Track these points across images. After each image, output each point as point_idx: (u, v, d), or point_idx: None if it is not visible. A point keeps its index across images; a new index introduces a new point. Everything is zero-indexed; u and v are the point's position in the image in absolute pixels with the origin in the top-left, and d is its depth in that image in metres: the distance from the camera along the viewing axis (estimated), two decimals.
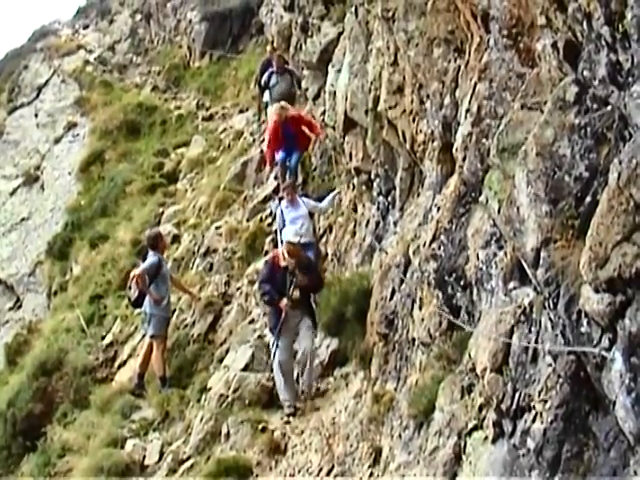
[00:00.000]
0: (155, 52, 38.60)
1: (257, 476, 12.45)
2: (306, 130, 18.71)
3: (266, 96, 22.07)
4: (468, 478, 8.04)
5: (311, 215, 17.17)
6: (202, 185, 23.77)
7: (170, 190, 25.25)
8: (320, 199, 17.37)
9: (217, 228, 20.11)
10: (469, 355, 8.73)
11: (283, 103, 19.52)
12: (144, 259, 17.20)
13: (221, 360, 15.83)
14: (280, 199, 17.73)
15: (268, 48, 22.95)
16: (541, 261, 7.04)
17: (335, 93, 16.68)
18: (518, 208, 7.48)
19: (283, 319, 13.71)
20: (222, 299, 17.82)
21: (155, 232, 18.24)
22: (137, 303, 17.03)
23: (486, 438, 7.91)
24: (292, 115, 18.81)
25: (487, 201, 8.64)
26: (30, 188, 33.18)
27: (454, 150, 10.11)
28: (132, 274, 16.95)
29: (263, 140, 22.16)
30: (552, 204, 6.94)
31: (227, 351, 16.01)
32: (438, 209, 10.49)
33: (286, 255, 14.10)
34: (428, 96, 11.26)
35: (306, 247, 15.64)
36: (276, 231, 17.59)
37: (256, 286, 15.77)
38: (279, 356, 13.74)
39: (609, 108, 6.59)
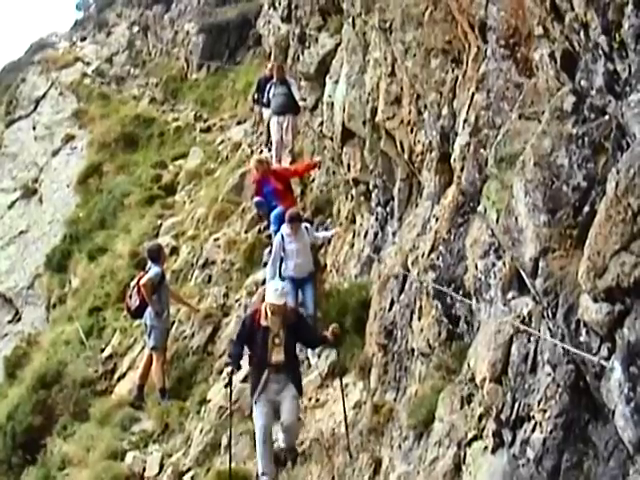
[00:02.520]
0: (153, 64, 38.72)
1: None
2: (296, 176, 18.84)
3: (265, 113, 22.09)
4: None
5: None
6: (200, 197, 23.80)
7: (168, 202, 25.30)
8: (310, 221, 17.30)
9: (215, 240, 20.10)
10: (468, 365, 8.73)
11: (260, 157, 19.49)
12: (144, 270, 17.20)
13: (220, 372, 15.78)
14: (280, 224, 16.61)
15: (269, 65, 22.86)
16: (540, 271, 7.04)
17: (333, 104, 16.70)
18: (516, 218, 7.48)
19: (263, 384, 12.11)
20: (221, 311, 17.79)
21: (156, 244, 18.28)
22: (136, 314, 17.03)
23: (486, 448, 7.90)
24: (274, 169, 18.67)
25: (485, 211, 8.65)
26: (28, 201, 33.26)
27: (452, 160, 10.13)
28: (140, 283, 16.78)
29: (261, 152, 22.24)
30: (550, 214, 6.95)
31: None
32: (436, 219, 10.49)
33: (269, 314, 12.20)
34: (426, 106, 11.28)
35: (304, 281, 15.17)
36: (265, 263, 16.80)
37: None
38: (259, 423, 12.21)
39: (606, 118, 6.60)
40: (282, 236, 15.56)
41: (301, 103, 20.90)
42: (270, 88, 21.14)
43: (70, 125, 35.17)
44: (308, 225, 16.18)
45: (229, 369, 12.50)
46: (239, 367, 12.81)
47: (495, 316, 8.13)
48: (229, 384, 12.68)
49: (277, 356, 12.14)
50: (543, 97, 7.88)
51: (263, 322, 12.21)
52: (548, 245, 6.96)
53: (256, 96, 22.73)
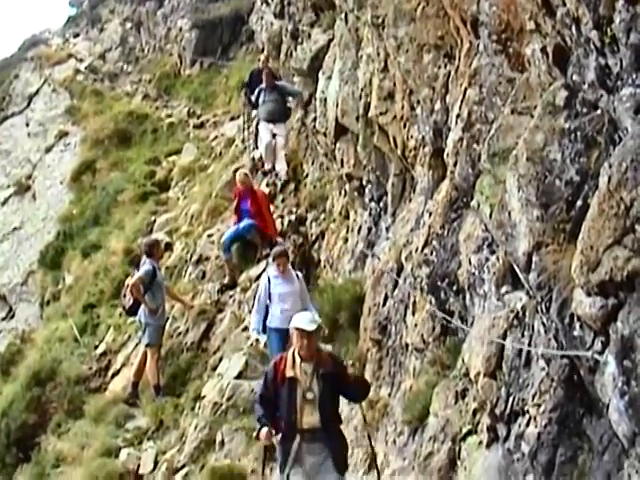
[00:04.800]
0: (146, 60, 38.63)
1: None
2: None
3: (254, 112, 21.91)
4: None
5: None
6: (194, 193, 23.73)
7: (162, 198, 25.22)
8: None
9: (209, 236, 20.04)
10: (463, 360, 8.74)
11: (247, 171, 19.31)
12: (138, 267, 17.19)
13: (215, 368, 15.79)
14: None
15: (261, 58, 22.64)
16: (533, 265, 7.05)
17: (326, 100, 16.68)
18: (509, 213, 7.49)
19: (294, 457, 9.26)
20: (215, 307, 17.75)
21: (152, 240, 18.22)
22: (131, 311, 17.00)
23: (480, 443, 7.92)
24: (255, 190, 18.41)
25: (479, 206, 8.65)
26: (22, 198, 33.15)
27: (445, 155, 10.13)
28: (127, 283, 16.90)
29: (254, 148, 22.13)
30: (543, 208, 6.96)
31: (220, 359, 15.95)
32: (430, 214, 10.49)
33: (297, 360, 9.26)
34: (419, 102, 11.27)
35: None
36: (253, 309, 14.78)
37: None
38: None
39: (599, 112, 6.61)
40: (268, 278, 14.17)
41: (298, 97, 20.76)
42: (259, 93, 20.89)
43: (63, 122, 35.04)
44: (299, 273, 14.83)
45: (264, 431, 9.21)
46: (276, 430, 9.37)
47: (489, 311, 8.14)
48: (264, 459, 10.36)
49: (309, 418, 9.17)
50: (535, 92, 7.89)
51: (289, 372, 9.22)
52: (541, 240, 6.97)
53: (247, 91, 22.43)
